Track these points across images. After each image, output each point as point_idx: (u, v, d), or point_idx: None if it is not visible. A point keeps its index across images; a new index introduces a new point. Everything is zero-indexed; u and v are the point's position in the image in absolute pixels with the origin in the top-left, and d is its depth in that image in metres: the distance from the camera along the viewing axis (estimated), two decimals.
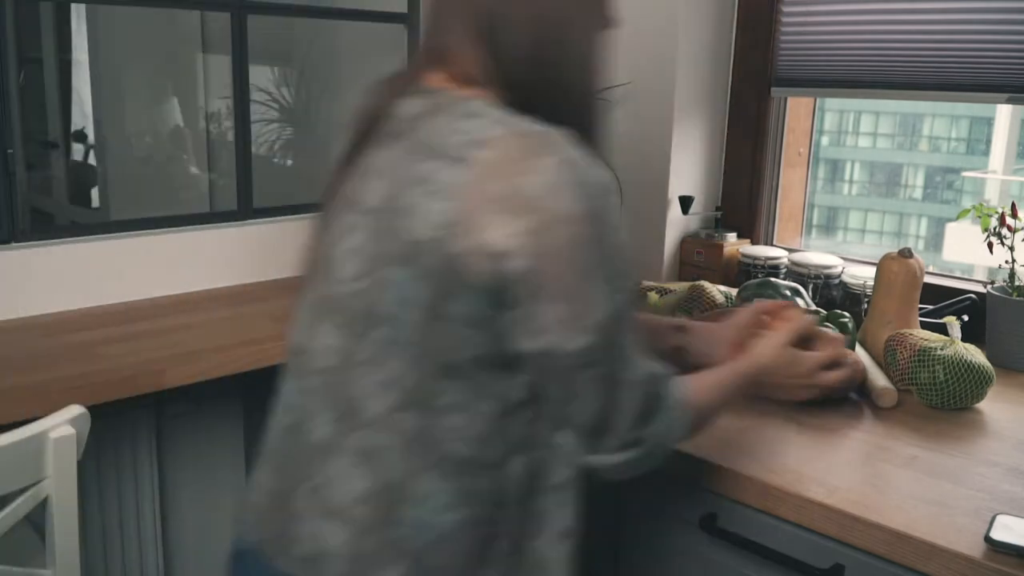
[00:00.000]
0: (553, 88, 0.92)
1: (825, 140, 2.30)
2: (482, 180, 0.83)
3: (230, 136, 2.12)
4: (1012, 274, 1.61)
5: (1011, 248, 1.60)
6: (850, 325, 1.55)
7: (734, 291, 1.73)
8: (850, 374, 1.29)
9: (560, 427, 0.93)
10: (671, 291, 1.71)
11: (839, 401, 1.38)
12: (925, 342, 1.44)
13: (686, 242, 2.08)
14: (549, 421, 0.92)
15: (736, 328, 1.25)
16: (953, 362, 1.38)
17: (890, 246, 1.83)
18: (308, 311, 0.98)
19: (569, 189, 0.83)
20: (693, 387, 0.99)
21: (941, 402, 1.39)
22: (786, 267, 1.94)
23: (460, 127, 0.87)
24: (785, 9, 1.98)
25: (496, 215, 0.82)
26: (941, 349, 1.41)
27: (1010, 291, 1.61)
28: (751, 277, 1.90)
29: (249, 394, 2.15)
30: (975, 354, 1.42)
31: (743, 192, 2.12)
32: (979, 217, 1.64)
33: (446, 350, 0.86)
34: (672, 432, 0.96)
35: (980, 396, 1.41)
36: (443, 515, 0.89)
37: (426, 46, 0.98)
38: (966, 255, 2.15)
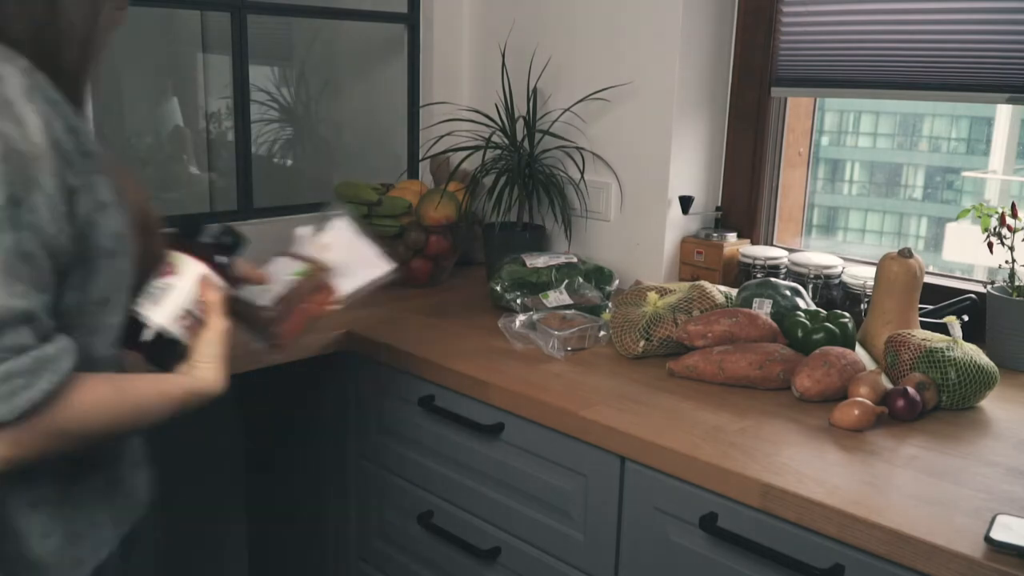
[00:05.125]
0: (42, 40, 0.98)
1: (825, 140, 2.29)
2: None
3: (230, 136, 2.12)
4: (1012, 274, 1.61)
5: (1011, 248, 1.60)
6: (850, 325, 1.56)
7: (734, 291, 1.73)
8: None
9: None
10: (671, 291, 1.71)
11: (838, 400, 1.38)
12: (928, 343, 1.44)
13: (686, 242, 2.08)
14: None
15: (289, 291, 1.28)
16: (964, 363, 1.39)
17: (890, 246, 1.83)
18: None
19: None
20: (89, 385, 0.95)
21: (950, 403, 1.39)
22: (786, 267, 1.94)
23: None
24: (785, 9, 1.98)
25: None
26: (949, 350, 1.41)
27: (1010, 291, 1.61)
28: (751, 277, 1.90)
29: (249, 394, 2.15)
30: (978, 355, 1.43)
31: (743, 192, 2.12)
32: (979, 217, 1.64)
33: None
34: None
35: (982, 396, 1.41)
36: None
37: None
38: (966, 255, 2.14)
